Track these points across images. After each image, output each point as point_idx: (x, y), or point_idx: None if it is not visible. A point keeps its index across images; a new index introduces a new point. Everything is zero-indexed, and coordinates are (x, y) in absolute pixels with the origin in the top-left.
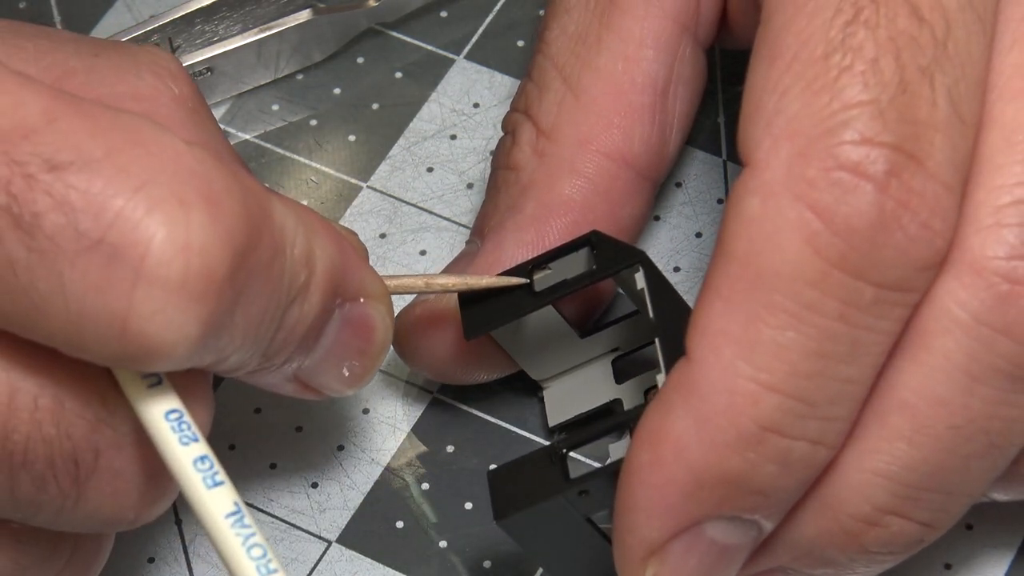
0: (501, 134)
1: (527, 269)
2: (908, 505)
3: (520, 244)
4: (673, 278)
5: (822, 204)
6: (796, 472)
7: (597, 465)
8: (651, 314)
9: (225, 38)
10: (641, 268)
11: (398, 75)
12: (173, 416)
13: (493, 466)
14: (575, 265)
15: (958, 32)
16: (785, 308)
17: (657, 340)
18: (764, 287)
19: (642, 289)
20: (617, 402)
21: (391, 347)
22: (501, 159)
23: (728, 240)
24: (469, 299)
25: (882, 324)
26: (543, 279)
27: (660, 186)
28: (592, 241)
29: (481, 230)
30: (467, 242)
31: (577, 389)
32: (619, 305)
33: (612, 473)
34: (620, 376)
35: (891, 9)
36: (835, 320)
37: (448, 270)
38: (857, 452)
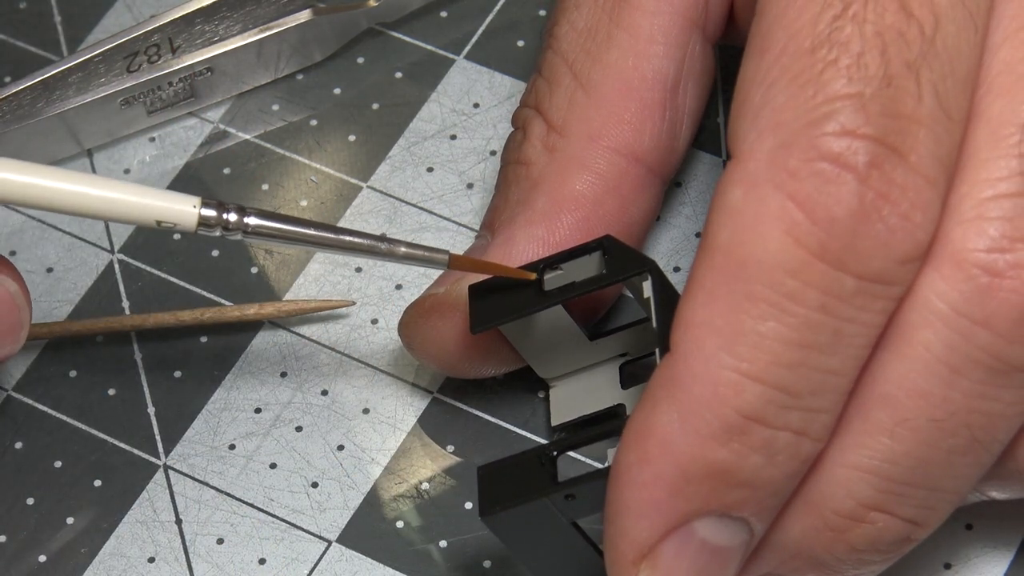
0: (501, 134)
1: (538, 268)
2: (892, 501)
3: (531, 239)
4: (673, 278)
5: (803, 194)
6: (782, 464)
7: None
8: (655, 323)
9: (225, 38)
10: (649, 276)
11: (398, 75)
12: None
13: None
14: (586, 268)
15: (947, 28)
16: (766, 298)
17: (658, 351)
18: (745, 277)
19: (648, 298)
20: (621, 407)
21: (400, 336)
22: (511, 154)
23: (711, 231)
24: (479, 292)
25: (864, 316)
26: (553, 279)
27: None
28: (604, 246)
29: (491, 224)
30: (477, 236)
31: (583, 391)
32: (630, 310)
33: (601, 478)
34: (627, 381)
35: (880, 4)
36: (816, 310)
37: None
38: (840, 447)
